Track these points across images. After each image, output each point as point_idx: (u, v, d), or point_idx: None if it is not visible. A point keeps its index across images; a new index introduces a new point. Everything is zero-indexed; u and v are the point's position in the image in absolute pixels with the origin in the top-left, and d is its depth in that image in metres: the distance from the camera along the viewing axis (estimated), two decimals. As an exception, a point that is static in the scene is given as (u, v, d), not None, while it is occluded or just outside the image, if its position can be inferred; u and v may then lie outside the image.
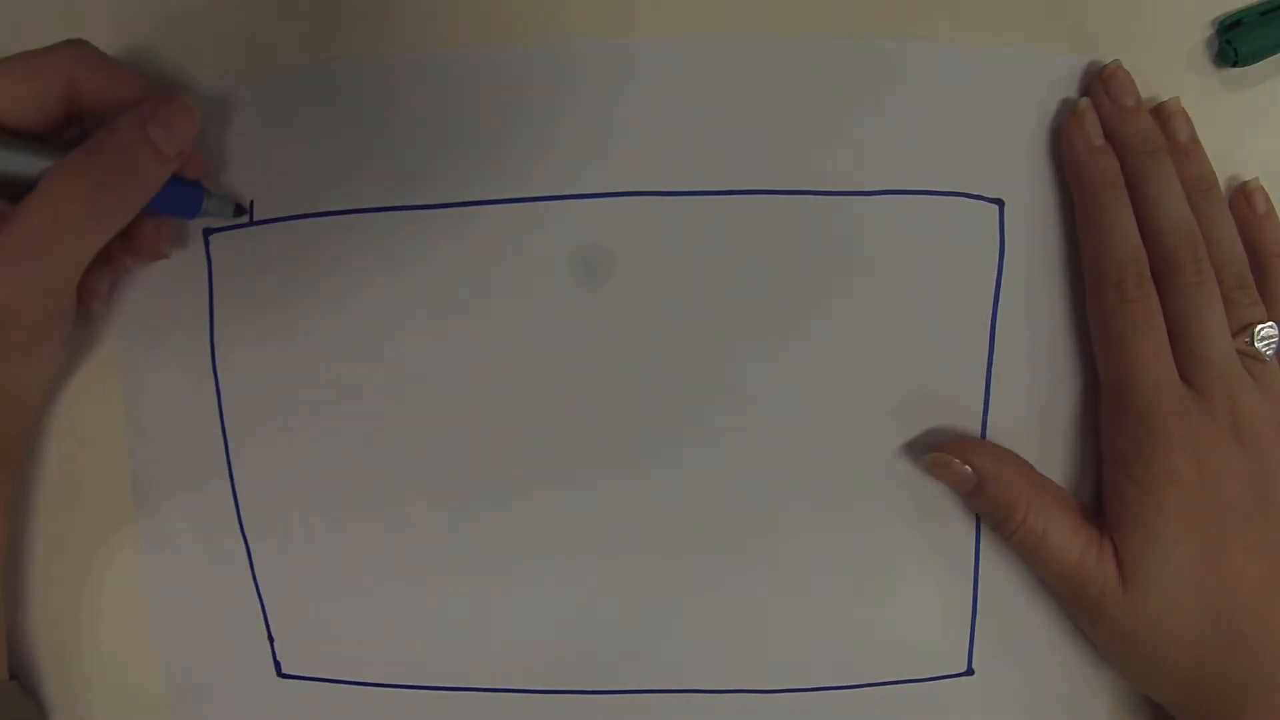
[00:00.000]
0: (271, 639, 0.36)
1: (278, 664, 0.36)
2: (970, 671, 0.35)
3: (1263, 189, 0.34)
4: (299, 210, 0.34)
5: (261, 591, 0.35)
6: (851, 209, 0.34)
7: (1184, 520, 0.32)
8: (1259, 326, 0.33)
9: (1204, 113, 0.34)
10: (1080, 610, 0.34)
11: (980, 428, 0.35)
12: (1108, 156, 0.34)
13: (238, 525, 0.35)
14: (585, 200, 0.34)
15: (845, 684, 0.35)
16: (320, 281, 0.35)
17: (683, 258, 0.34)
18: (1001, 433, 0.35)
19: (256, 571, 0.35)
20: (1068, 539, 0.33)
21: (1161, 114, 0.34)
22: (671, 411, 0.34)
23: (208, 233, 0.35)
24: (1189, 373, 0.32)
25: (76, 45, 0.32)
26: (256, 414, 0.35)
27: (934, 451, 0.34)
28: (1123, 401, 0.33)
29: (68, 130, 0.32)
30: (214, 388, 0.35)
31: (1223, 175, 0.35)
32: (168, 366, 0.35)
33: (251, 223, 0.34)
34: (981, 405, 0.35)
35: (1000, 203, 0.34)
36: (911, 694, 0.35)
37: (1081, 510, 0.34)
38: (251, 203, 0.35)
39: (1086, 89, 0.34)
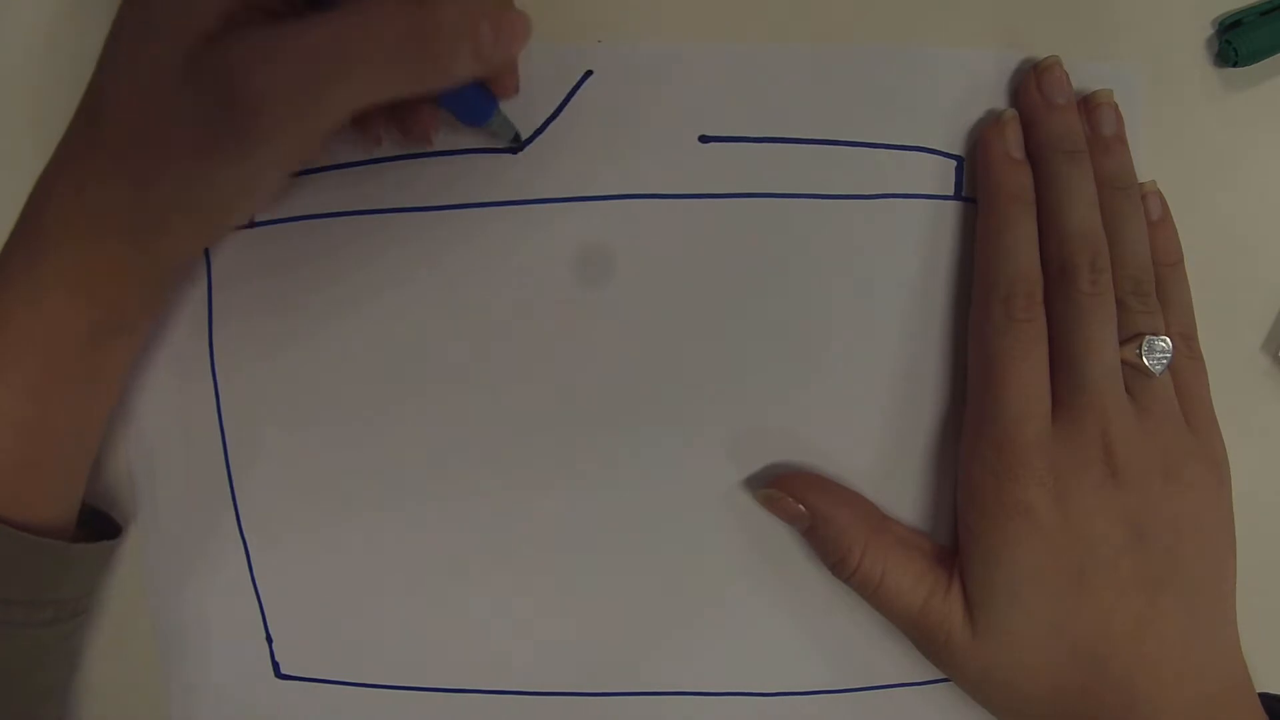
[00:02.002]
0: (270, 640, 0.36)
1: (276, 665, 0.36)
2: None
3: (1159, 193, 0.33)
4: (298, 213, 0.34)
5: (260, 593, 0.35)
6: (851, 212, 0.34)
7: (1037, 558, 0.30)
8: (1150, 338, 0.31)
9: (1204, 113, 0.34)
10: (929, 652, 0.33)
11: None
12: (1022, 170, 0.33)
13: (236, 527, 0.35)
14: (587, 203, 0.34)
15: (841, 687, 0.35)
16: (319, 283, 0.35)
17: (686, 260, 0.34)
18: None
19: (255, 573, 0.35)
20: (909, 583, 0.32)
21: (1089, 104, 0.33)
22: (671, 414, 0.34)
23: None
24: (1065, 394, 0.31)
25: None
26: (255, 416, 0.35)
27: (767, 487, 0.34)
28: (983, 425, 0.31)
29: None
30: (213, 389, 0.35)
31: (1222, 175, 0.35)
32: (167, 369, 0.35)
33: (251, 224, 0.35)
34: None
35: None
36: (907, 697, 0.35)
37: (933, 551, 0.33)
38: (527, 140, 0.34)
39: (1020, 85, 0.34)
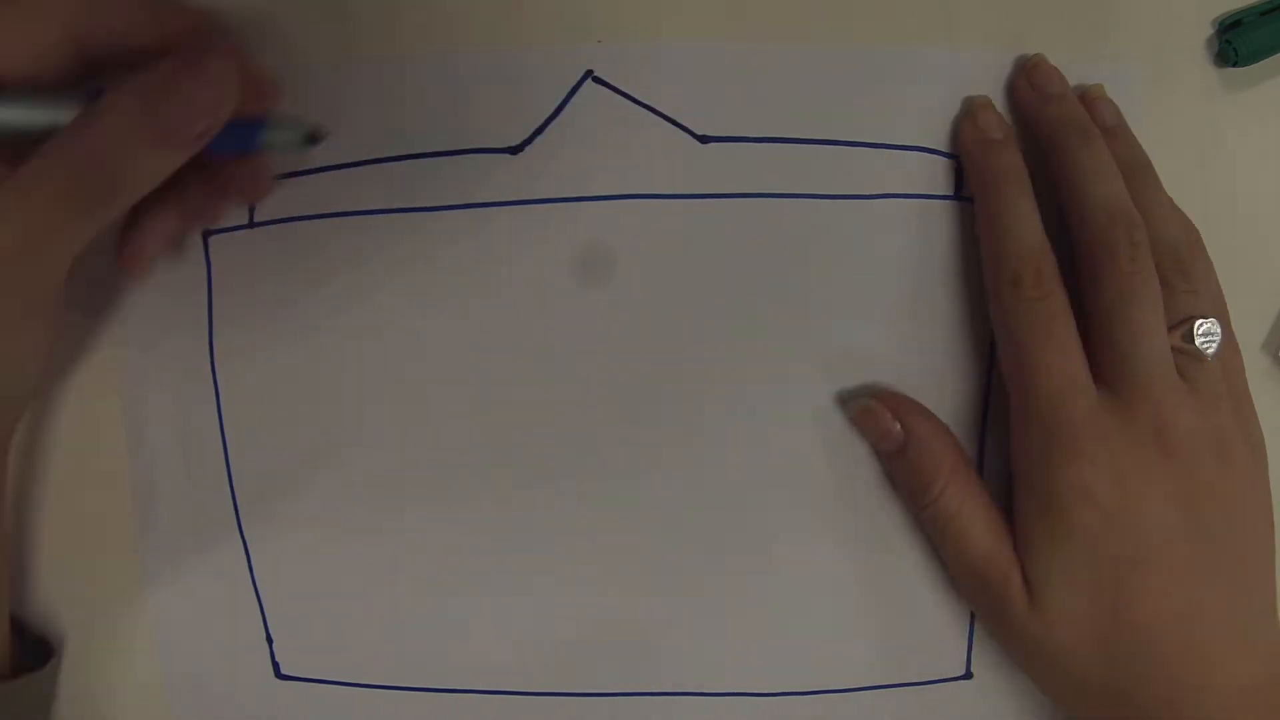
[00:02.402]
0: (270, 640, 0.36)
1: (276, 665, 0.36)
2: (969, 675, 0.35)
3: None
4: (299, 212, 0.34)
5: (260, 593, 0.35)
6: (851, 212, 0.34)
7: (1094, 540, 0.29)
8: (1199, 321, 0.30)
9: (1204, 113, 0.34)
10: (985, 607, 0.32)
11: (980, 428, 0.35)
12: (1008, 149, 0.32)
13: (237, 527, 0.35)
14: (586, 203, 0.34)
15: (843, 687, 0.35)
16: (319, 283, 0.35)
17: (686, 260, 0.34)
18: (1000, 438, 0.34)
19: (255, 573, 0.35)
20: (980, 528, 0.31)
21: (1085, 100, 0.33)
22: (673, 413, 0.34)
23: (207, 234, 0.35)
24: (1111, 376, 0.30)
25: None
26: (256, 416, 0.35)
27: (866, 398, 0.33)
28: (1026, 414, 0.30)
29: (97, 75, 0.27)
30: (213, 390, 0.35)
31: (1222, 175, 0.35)
32: (167, 369, 0.35)
33: (251, 224, 0.35)
34: (982, 407, 0.35)
35: None
36: (909, 697, 0.35)
37: (1000, 516, 0.32)
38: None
39: (1012, 88, 0.33)
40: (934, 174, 0.34)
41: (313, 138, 0.30)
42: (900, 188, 0.34)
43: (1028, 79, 0.33)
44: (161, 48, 0.27)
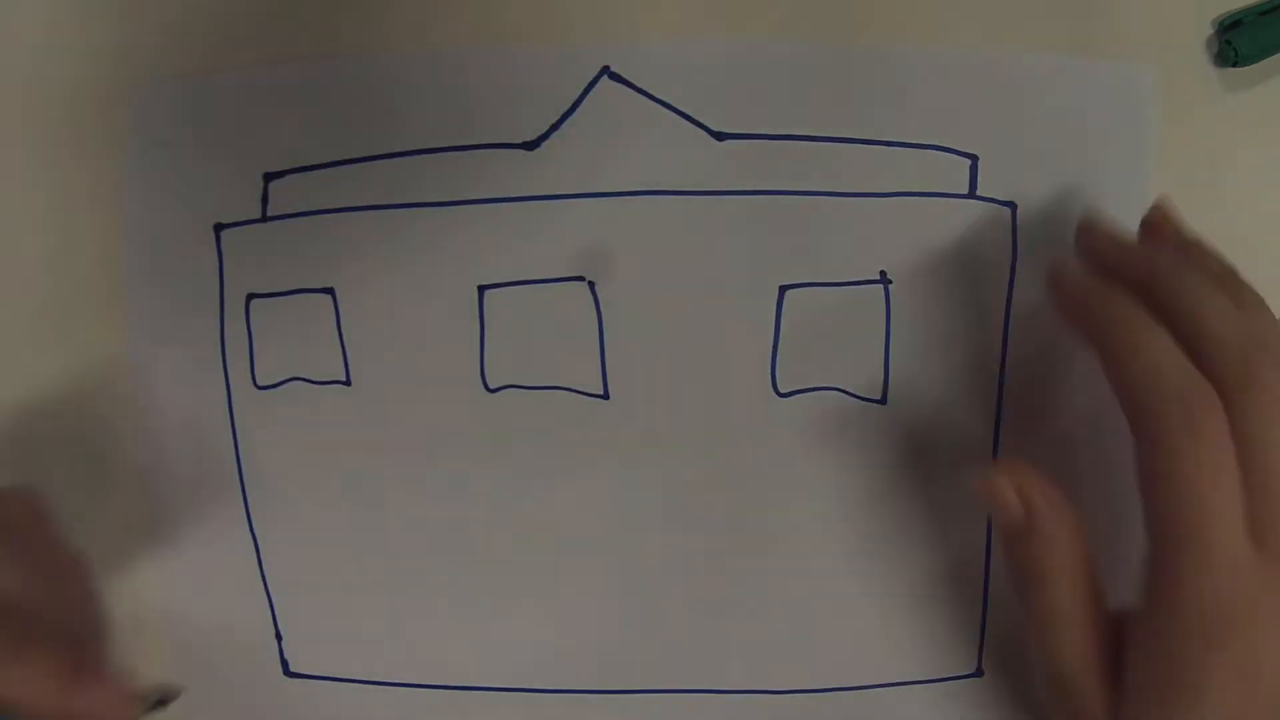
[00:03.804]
0: (279, 637, 0.35)
1: (285, 662, 0.35)
2: (980, 673, 0.35)
3: None
4: (313, 205, 0.34)
5: (269, 589, 0.35)
6: (867, 210, 0.34)
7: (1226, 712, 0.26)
8: None
9: (1204, 113, 0.35)
10: (1056, 709, 0.29)
11: (992, 427, 0.35)
12: (1115, 293, 0.29)
13: (246, 522, 0.35)
14: (602, 199, 0.34)
15: (854, 684, 0.35)
16: (332, 277, 0.35)
17: (700, 257, 0.34)
18: (1012, 438, 0.34)
19: (265, 569, 0.35)
20: (1082, 639, 0.28)
21: (1155, 222, 0.31)
22: (684, 409, 0.34)
23: (219, 227, 0.35)
24: (1262, 530, 0.26)
25: None
26: (266, 411, 0.35)
27: (992, 470, 0.29)
28: (1179, 570, 0.26)
29: None
30: (224, 383, 0.35)
31: (1222, 176, 0.35)
32: (177, 362, 0.35)
33: (264, 218, 0.35)
34: (994, 406, 0.35)
35: (1013, 205, 0.34)
36: (920, 694, 0.35)
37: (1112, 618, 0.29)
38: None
39: (1077, 244, 0.32)
40: (950, 172, 0.34)
41: (160, 702, 0.30)
42: (917, 186, 0.34)
43: (1090, 233, 0.31)
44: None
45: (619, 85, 0.34)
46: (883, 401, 0.34)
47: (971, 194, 0.34)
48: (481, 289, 0.34)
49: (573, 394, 0.34)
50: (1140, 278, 0.29)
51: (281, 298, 0.35)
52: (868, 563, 0.35)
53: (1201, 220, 0.35)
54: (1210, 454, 0.26)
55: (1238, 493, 0.26)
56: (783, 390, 0.34)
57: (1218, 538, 0.26)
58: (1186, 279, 0.28)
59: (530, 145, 0.34)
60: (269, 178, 0.35)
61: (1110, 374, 0.28)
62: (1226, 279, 0.29)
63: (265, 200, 0.35)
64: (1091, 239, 0.31)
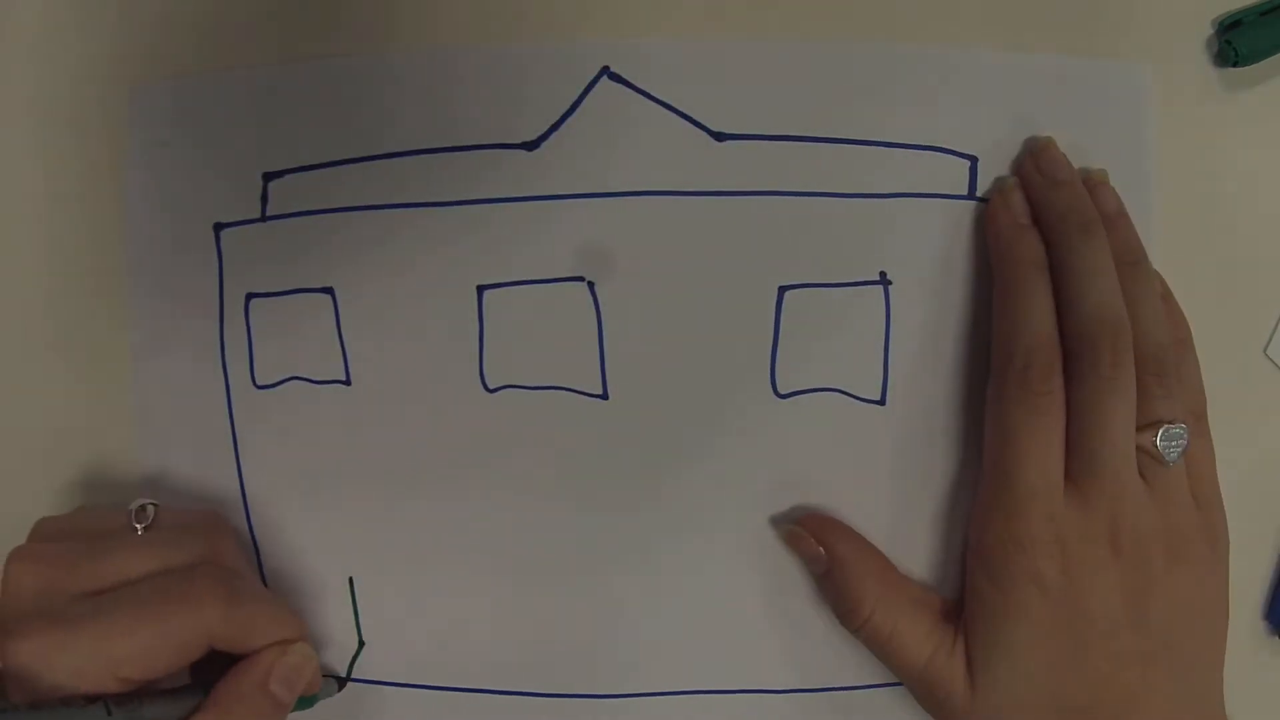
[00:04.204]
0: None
1: (285, 662, 0.35)
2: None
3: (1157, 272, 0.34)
4: (312, 205, 0.34)
5: (269, 588, 0.35)
6: (866, 211, 0.34)
7: (1039, 625, 0.31)
8: (1167, 426, 0.31)
9: (1204, 113, 0.35)
10: (930, 707, 0.33)
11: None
12: (1031, 235, 0.33)
13: (246, 522, 0.35)
14: (602, 199, 0.34)
15: (853, 685, 0.35)
16: (332, 276, 0.35)
17: (700, 258, 0.34)
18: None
19: (264, 568, 0.35)
20: (916, 641, 0.32)
21: (1089, 184, 0.33)
22: (687, 408, 0.34)
23: (218, 227, 0.35)
24: (1077, 471, 0.31)
25: (211, 584, 0.30)
26: (265, 410, 0.35)
27: (794, 524, 0.34)
28: (998, 495, 0.31)
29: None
30: (223, 383, 0.35)
31: (1222, 176, 0.35)
32: (177, 362, 0.35)
33: (264, 217, 0.35)
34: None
35: None
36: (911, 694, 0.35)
37: (941, 608, 0.33)
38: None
39: (1016, 167, 0.34)
40: (949, 173, 0.34)
41: (341, 682, 0.36)
42: (916, 187, 0.34)
43: (1036, 164, 0.33)
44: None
45: (619, 85, 0.34)
46: (882, 402, 0.34)
47: (971, 195, 0.34)
48: (481, 289, 0.34)
49: (572, 394, 0.34)
50: (1053, 224, 0.33)
51: (281, 297, 0.35)
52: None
53: (1201, 220, 0.35)
54: (1036, 404, 0.31)
55: (1058, 442, 0.31)
56: (782, 391, 0.34)
57: (1029, 472, 0.31)
58: (1089, 248, 0.32)
59: (530, 145, 0.34)
60: (269, 178, 0.35)
61: (995, 303, 0.33)
62: (1134, 261, 0.33)
63: (265, 200, 0.35)
64: (1031, 165, 0.34)
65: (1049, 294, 0.32)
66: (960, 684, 0.31)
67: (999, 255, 0.33)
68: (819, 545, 0.33)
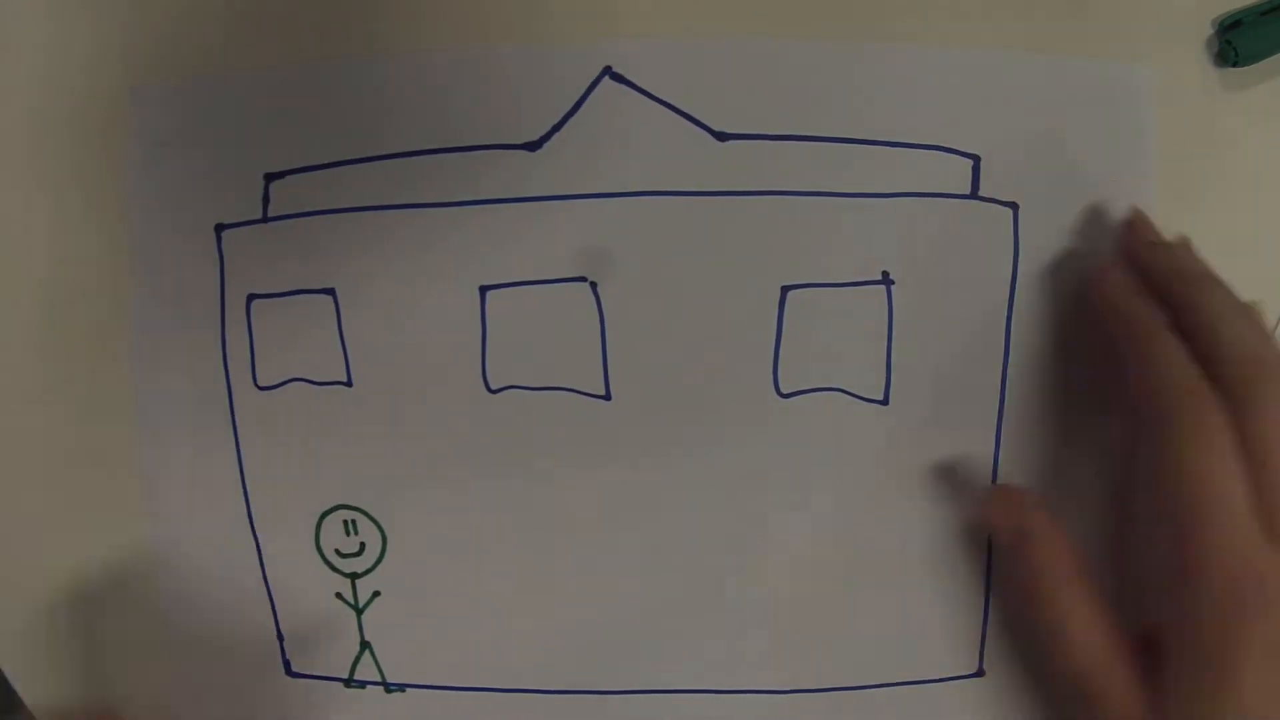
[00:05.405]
0: (281, 637, 0.35)
1: (287, 663, 0.35)
2: (981, 673, 0.35)
3: None
4: (313, 206, 0.34)
5: (271, 589, 0.35)
6: (870, 210, 0.34)
7: (1261, 692, 0.27)
8: None
9: (1204, 113, 0.35)
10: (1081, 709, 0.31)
11: (994, 428, 0.35)
12: (1140, 300, 0.31)
13: (248, 522, 0.35)
14: (604, 199, 0.34)
15: (854, 684, 0.35)
16: (334, 278, 0.35)
17: (703, 258, 0.34)
18: (1014, 439, 0.35)
19: (266, 569, 0.35)
20: (1095, 639, 0.30)
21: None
22: (689, 407, 0.35)
23: (220, 228, 0.35)
24: (1271, 521, 0.28)
25: None
26: (267, 411, 0.35)
27: (995, 488, 0.33)
28: (1199, 553, 0.28)
29: None
30: (225, 384, 0.35)
31: (1222, 176, 0.35)
32: (178, 363, 0.35)
33: (265, 218, 0.35)
34: (996, 407, 0.35)
35: (1015, 206, 0.34)
36: (921, 695, 0.35)
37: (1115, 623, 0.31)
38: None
39: (1120, 243, 0.34)
40: (952, 172, 0.34)
41: None
42: (919, 186, 0.34)
43: (1131, 233, 0.33)
44: None
45: (621, 85, 0.34)
46: (884, 402, 0.34)
47: (973, 194, 0.34)
48: (483, 289, 0.34)
49: (574, 394, 0.35)
50: (1167, 283, 0.31)
51: (282, 298, 0.35)
52: (868, 563, 0.35)
53: (1201, 220, 0.35)
54: (1217, 446, 0.28)
55: (1244, 488, 0.28)
56: (784, 391, 0.34)
57: (1230, 519, 0.28)
58: (1211, 298, 0.31)
59: (532, 146, 0.34)
60: (270, 178, 0.35)
61: (1130, 375, 0.31)
62: (1240, 305, 0.31)
63: (266, 200, 0.35)
64: (1130, 236, 0.33)
65: (1177, 339, 0.30)
66: (1139, 708, 0.29)
67: (1117, 320, 0.31)
68: (1018, 517, 0.32)
